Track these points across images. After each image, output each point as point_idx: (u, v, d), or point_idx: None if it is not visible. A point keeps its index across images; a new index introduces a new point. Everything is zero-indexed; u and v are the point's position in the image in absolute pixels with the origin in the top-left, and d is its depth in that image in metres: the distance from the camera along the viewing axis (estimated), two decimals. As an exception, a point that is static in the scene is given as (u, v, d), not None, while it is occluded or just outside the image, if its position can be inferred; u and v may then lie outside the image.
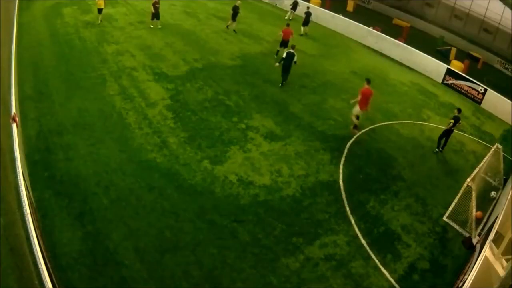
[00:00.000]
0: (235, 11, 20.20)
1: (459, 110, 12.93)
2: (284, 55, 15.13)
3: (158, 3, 18.98)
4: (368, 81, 12.77)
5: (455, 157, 13.57)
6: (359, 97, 12.65)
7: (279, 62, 15.38)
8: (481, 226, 10.13)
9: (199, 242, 8.35)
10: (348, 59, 19.92)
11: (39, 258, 5.40)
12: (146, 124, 11.89)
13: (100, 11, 18.83)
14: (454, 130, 13.23)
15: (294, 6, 24.43)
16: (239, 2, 20.43)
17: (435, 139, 13.60)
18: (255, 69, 16.68)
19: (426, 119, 15.54)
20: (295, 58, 15.20)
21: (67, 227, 8.05)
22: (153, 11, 18.97)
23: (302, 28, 22.14)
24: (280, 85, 15.43)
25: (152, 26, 19.15)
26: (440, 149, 13.38)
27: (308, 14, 22.10)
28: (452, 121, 12.71)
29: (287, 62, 15.20)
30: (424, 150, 13.35)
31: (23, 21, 17.65)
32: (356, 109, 12.88)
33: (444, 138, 13.25)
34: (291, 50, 15.07)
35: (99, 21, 18.82)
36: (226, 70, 16.25)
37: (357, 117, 13.05)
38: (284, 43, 17.70)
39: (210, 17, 22.46)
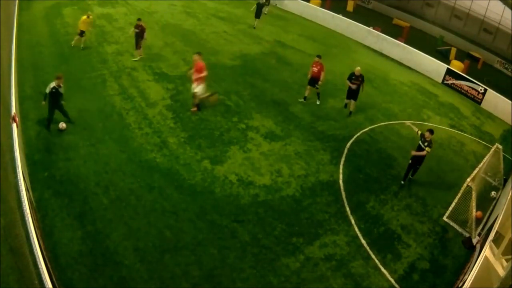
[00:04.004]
0: (351, 79, 13.94)
1: (431, 131, 10.82)
2: (49, 89, 10.38)
3: (138, 27, 15.20)
4: (199, 53, 12.96)
5: (455, 157, 13.57)
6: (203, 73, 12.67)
7: (44, 100, 10.63)
8: (481, 226, 10.12)
9: (199, 242, 8.35)
10: (348, 59, 19.91)
11: (39, 258, 5.40)
12: (146, 124, 11.89)
13: (82, 33, 15.64)
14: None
15: None
16: (358, 68, 13.92)
17: (434, 139, 13.54)
18: (255, 69, 16.68)
19: (426, 119, 15.53)
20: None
21: (67, 227, 8.04)
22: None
23: (256, 21, 21.78)
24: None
25: (134, 58, 15.71)
26: (408, 180, 11.40)
27: (259, 5, 21.73)
28: (428, 149, 10.72)
29: (55, 99, 10.53)
30: (424, 150, 13.35)
31: (23, 21, 17.63)
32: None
33: (414, 167, 11.27)
34: (59, 88, 10.50)
35: (72, 44, 15.86)
36: (226, 70, 16.24)
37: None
38: (312, 82, 14.34)
39: (210, 17, 22.46)
